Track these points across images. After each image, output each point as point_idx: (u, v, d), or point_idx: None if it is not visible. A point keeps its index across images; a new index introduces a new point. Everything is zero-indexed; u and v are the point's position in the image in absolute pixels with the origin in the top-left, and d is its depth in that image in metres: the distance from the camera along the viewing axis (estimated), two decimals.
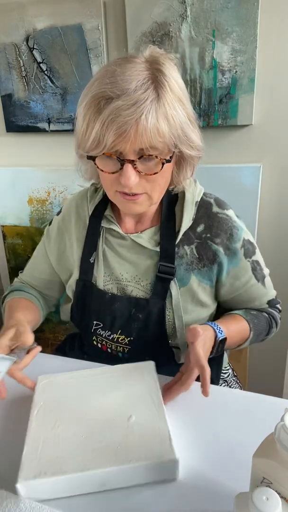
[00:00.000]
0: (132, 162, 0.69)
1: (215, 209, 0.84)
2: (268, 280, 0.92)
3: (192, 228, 0.84)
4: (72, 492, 0.58)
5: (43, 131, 1.52)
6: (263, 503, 0.43)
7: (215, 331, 0.78)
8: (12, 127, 1.55)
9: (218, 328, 0.79)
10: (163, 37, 1.27)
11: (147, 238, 0.85)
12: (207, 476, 0.60)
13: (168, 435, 0.61)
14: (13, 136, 1.59)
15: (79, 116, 0.71)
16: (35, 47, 1.41)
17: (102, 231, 0.89)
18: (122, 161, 0.69)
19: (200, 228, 0.83)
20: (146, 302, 0.84)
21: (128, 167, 0.69)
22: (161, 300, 0.83)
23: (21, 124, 1.54)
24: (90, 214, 0.90)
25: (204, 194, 0.86)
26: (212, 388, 0.68)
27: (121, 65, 0.67)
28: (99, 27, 1.32)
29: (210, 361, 0.98)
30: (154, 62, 0.69)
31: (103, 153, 0.69)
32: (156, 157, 0.69)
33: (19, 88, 1.48)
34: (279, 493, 0.45)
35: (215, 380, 0.92)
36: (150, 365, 0.78)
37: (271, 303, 0.94)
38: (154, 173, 0.71)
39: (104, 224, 0.88)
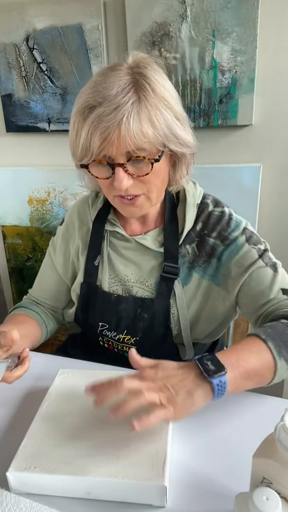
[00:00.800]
0: (122, 165, 0.70)
1: (211, 207, 0.86)
2: (281, 269, 0.82)
3: (192, 228, 0.85)
4: (58, 492, 0.57)
5: (43, 131, 1.52)
6: (263, 503, 0.43)
7: (192, 361, 0.61)
8: (12, 127, 1.56)
9: (199, 355, 0.62)
10: (163, 37, 1.27)
11: (151, 240, 0.87)
12: (207, 476, 0.60)
13: (164, 459, 0.57)
14: (13, 136, 1.60)
15: (70, 127, 0.73)
16: (35, 47, 1.41)
17: (106, 235, 0.90)
18: (112, 165, 0.70)
19: (198, 226, 0.85)
20: (151, 301, 0.85)
21: (119, 171, 0.70)
22: (166, 300, 0.85)
23: (21, 124, 1.54)
24: (93, 219, 0.91)
25: (204, 196, 0.88)
26: None
27: (104, 74, 0.69)
28: (99, 27, 1.32)
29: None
30: (136, 66, 0.70)
31: (93, 160, 0.70)
32: (144, 157, 0.70)
33: (19, 88, 1.49)
34: (279, 493, 0.45)
35: None
36: None
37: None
38: (146, 174, 0.72)
39: (107, 227, 0.90)
